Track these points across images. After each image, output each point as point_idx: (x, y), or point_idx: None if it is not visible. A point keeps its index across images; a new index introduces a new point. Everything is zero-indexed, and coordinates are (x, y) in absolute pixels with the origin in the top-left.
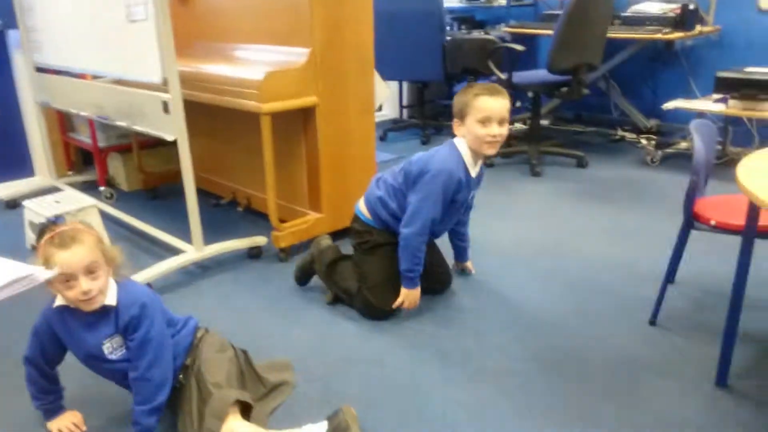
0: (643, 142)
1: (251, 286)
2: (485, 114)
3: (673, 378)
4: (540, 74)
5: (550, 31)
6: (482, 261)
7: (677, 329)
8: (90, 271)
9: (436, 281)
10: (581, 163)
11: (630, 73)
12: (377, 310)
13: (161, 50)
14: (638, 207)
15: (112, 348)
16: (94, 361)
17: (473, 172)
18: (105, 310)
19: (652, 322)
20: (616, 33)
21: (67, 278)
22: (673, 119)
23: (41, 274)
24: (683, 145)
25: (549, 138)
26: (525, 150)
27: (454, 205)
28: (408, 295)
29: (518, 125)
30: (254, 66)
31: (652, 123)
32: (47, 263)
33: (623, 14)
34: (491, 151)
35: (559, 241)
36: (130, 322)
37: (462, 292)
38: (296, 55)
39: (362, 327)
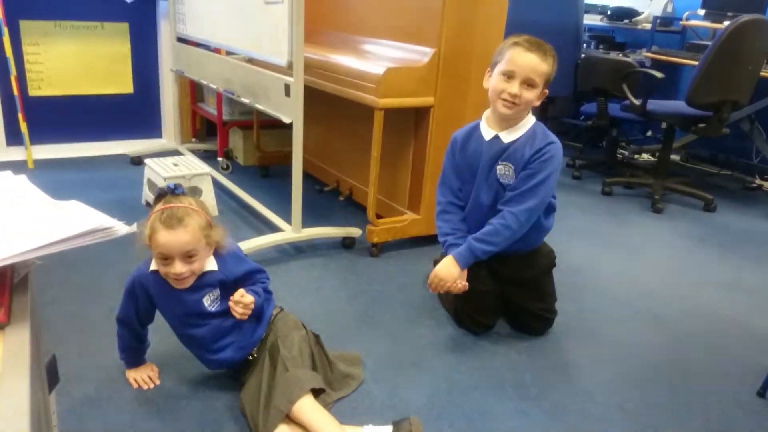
0: None
1: (339, 275)
2: (511, 67)
3: None
4: (677, 105)
5: (694, 62)
6: (581, 293)
7: None
8: (188, 256)
9: (529, 319)
10: (708, 207)
11: None
12: (472, 329)
13: (291, 34)
14: (764, 263)
15: (210, 300)
16: (191, 318)
17: (487, 135)
18: (204, 274)
19: (761, 393)
20: None
21: (165, 257)
22: None
23: (121, 228)
24: None
25: (677, 175)
26: (649, 183)
27: (465, 168)
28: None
29: (646, 156)
30: (377, 60)
31: None
32: (151, 236)
33: None
34: (504, 110)
35: (669, 286)
36: (240, 277)
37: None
38: (420, 54)
39: (439, 338)
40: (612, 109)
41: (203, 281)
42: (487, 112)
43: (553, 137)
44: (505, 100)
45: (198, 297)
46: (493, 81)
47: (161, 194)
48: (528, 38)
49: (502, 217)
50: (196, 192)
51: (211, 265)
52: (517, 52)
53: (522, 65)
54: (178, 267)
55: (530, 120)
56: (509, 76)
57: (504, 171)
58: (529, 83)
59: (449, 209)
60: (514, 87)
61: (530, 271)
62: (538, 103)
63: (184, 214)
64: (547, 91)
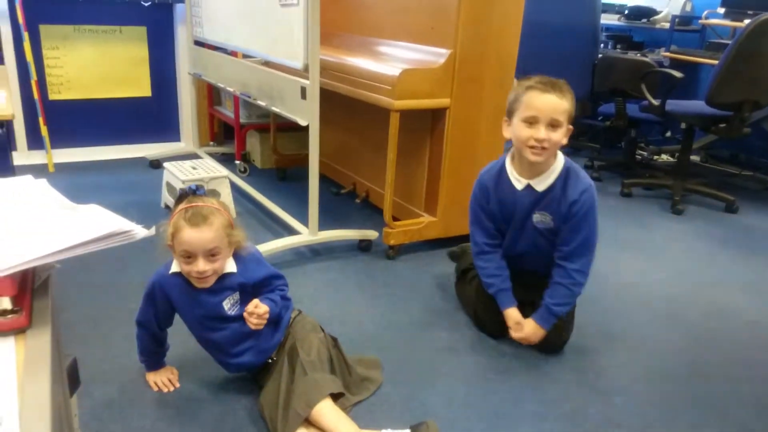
0: None
1: (355, 278)
2: (531, 112)
3: None
4: (697, 105)
5: (714, 61)
6: (601, 296)
7: None
8: (211, 254)
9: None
10: (730, 208)
11: None
12: (488, 332)
13: (307, 37)
14: None
15: (230, 304)
16: (210, 322)
17: (519, 185)
18: (224, 276)
19: None
20: None
21: (188, 254)
22: None
23: (140, 231)
24: None
25: (697, 175)
26: (669, 185)
27: (499, 216)
28: (506, 317)
29: (665, 157)
30: (392, 62)
31: None
32: (175, 234)
33: None
34: (535, 158)
35: (690, 288)
36: (260, 281)
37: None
38: (436, 55)
39: (458, 342)
40: (630, 110)
41: (223, 284)
42: (511, 158)
43: (585, 180)
44: (533, 147)
45: (218, 300)
46: (515, 130)
47: (183, 195)
48: (539, 79)
49: (569, 276)
50: (214, 195)
51: (231, 267)
52: (534, 95)
53: (543, 108)
54: (202, 265)
55: (560, 162)
56: (531, 121)
57: (541, 218)
58: (553, 124)
59: (488, 250)
60: (540, 132)
61: None
62: (565, 141)
63: (209, 213)
64: (571, 127)
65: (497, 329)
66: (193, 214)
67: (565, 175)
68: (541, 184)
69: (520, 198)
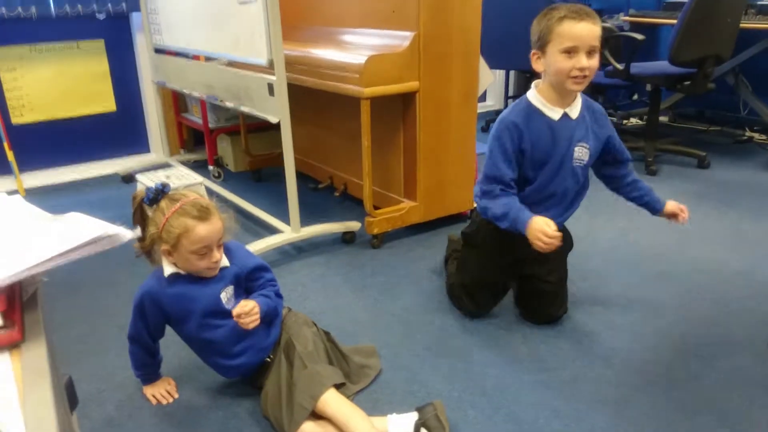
0: None
1: (343, 270)
2: (571, 43)
3: None
4: (661, 66)
5: (673, 21)
6: (584, 261)
7: None
8: (220, 242)
9: (532, 297)
10: (702, 164)
11: (763, 68)
12: (466, 309)
13: (268, 32)
14: (764, 214)
15: (227, 297)
16: (210, 318)
17: (556, 115)
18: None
19: None
20: (750, 23)
21: (205, 250)
22: None
23: (126, 233)
24: None
25: (667, 135)
26: (641, 146)
27: (530, 158)
28: (528, 234)
29: (635, 120)
30: (358, 50)
31: None
32: (184, 235)
33: (759, 2)
34: (577, 87)
35: (670, 245)
36: (252, 272)
37: None
38: (400, 39)
39: (450, 321)
40: (596, 76)
41: (219, 275)
42: (538, 91)
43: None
44: (575, 77)
45: (216, 289)
46: (552, 61)
47: (155, 197)
48: (569, 7)
49: (641, 188)
50: None
51: (224, 260)
52: (569, 25)
53: (582, 37)
54: (216, 254)
55: None
56: (571, 51)
57: (580, 154)
58: (591, 51)
59: (500, 194)
60: (581, 61)
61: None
62: None
63: (207, 204)
64: None
65: (473, 309)
66: (198, 209)
67: (584, 98)
68: (573, 110)
69: (559, 131)
